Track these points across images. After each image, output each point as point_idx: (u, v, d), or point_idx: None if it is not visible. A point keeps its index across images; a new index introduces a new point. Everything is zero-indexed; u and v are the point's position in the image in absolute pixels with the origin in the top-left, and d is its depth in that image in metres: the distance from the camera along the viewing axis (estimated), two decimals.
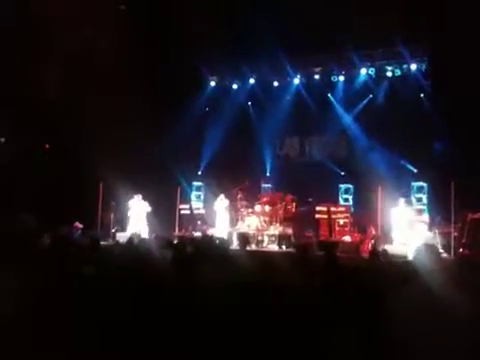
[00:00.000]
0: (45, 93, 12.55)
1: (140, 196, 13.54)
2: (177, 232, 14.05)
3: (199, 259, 5.65)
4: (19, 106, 12.94)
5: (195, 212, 14.79)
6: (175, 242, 8.04)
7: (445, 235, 11.49)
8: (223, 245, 7.17)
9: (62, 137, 13.81)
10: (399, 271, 5.77)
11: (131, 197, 13.58)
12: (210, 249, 6.44)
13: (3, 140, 13.65)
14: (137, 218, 13.45)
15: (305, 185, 14.24)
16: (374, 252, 8.95)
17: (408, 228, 11.93)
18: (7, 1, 12.15)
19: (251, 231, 13.09)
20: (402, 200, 12.31)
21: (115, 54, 12.23)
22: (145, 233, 12.62)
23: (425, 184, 14.32)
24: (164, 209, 14.34)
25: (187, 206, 14.97)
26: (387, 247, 10.01)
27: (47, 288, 3.79)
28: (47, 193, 12.61)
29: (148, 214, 13.62)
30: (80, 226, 12.84)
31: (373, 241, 12.11)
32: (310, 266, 5.91)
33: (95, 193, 13.52)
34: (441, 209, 12.26)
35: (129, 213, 13.59)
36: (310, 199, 13.96)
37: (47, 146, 14.92)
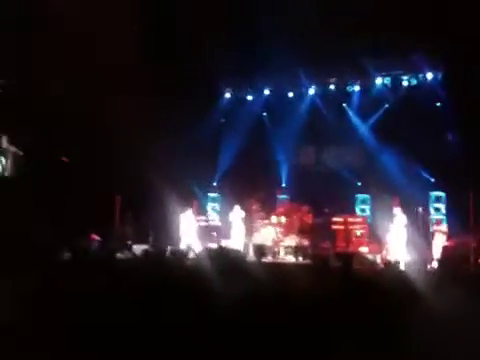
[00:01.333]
0: (64, 106, 12.71)
1: (190, 209, 13.66)
2: (192, 243, 14.04)
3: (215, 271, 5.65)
4: (37, 119, 13.11)
5: (211, 224, 14.80)
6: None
7: (464, 245, 11.34)
8: (239, 257, 7.17)
9: (80, 150, 13.94)
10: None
11: (183, 210, 13.81)
12: (226, 260, 6.44)
13: (21, 153, 13.82)
14: (188, 231, 13.52)
15: (321, 195, 14.18)
16: (389, 263, 8.91)
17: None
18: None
19: (267, 242, 13.05)
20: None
21: (133, 68, 12.36)
22: (197, 246, 12.68)
23: (443, 194, 14.17)
24: (181, 221, 14.37)
25: (203, 218, 14.99)
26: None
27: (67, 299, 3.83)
28: (65, 205, 12.71)
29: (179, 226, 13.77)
30: (97, 238, 12.91)
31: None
32: (327, 277, 5.89)
33: (112, 205, 13.60)
34: (459, 219, 12.11)
35: (181, 226, 13.74)
36: (326, 210, 13.89)
37: (65, 159, 15.07)
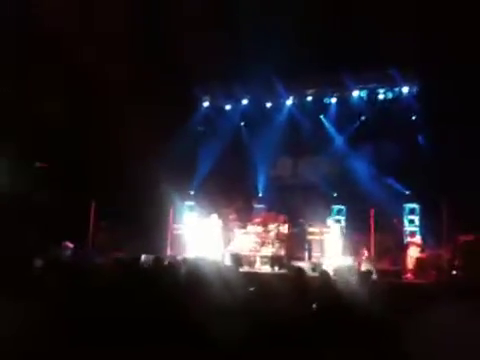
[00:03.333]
0: (39, 111, 12.54)
1: (216, 215, 13.57)
2: (169, 252, 13.95)
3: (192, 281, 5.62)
4: (11, 123, 12.90)
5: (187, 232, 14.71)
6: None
7: (438, 257, 11.51)
8: (215, 266, 7.13)
9: (55, 156, 13.76)
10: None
11: (207, 216, 13.76)
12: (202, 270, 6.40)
13: None
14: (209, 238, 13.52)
15: (297, 206, 14.23)
16: (365, 271, 8.97)
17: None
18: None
19: (244, 252, 13.02)
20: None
21: (110, 75, 12.27)
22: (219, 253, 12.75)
23: (417, 206, 14.37)
24: (157, 229, 14.27)
25: (180, 226, 14.90)
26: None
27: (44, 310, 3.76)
28: (37, 213, 12.51)
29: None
30: (70, 245, 12.72)
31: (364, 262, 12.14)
32: (305, 287, 5.91)
33: (87, 213, 13.44)
34: (433, 231, 12.29)
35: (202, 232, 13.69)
36: (301, 220, 13.92)
37: (39, 165, 14.85)
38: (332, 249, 13.09)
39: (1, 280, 4.99)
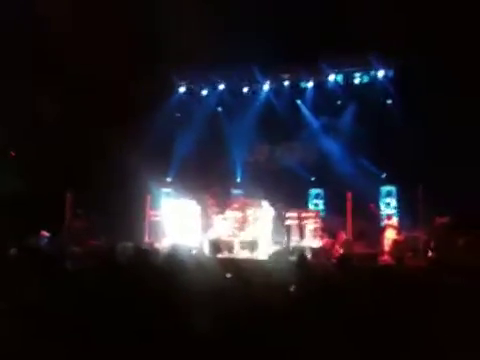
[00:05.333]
0: (12, 100, 12.29)
1: (194, 201, 13.53)
2: (147, 239, 13.86)
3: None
4: None
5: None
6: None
7: (414, 239, 11.65)
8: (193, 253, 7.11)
9: (28, 143, 13.51)
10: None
11: (184, 203, 13.70)
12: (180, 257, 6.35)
13: None
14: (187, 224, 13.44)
15: (275, 191, 14.23)
16: (344, 256, 9.01)
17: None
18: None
19: (222, 238, 13.00)
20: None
21: (84, 60, 12.05)
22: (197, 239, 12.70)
23: (394, 188, 14.51)
24: (134, 216, 14.16)
25: (157, 213, 14.79)
26: None
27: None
28: (12, 202, 12.30)
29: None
30: (47, 234, 12.54)
31: (343, 246, 12.23)
32: (283, 271, 5.91)
33: (63, 200, 13.24)
34: (410, 213, 12.43)
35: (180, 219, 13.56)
36: (277, 205, 13.93)
37: (13, 153, 14.57)
38: (310, 233, 13.17)
39: None
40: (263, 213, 13.32)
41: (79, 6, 12.24)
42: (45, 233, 12.50)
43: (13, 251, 6.64)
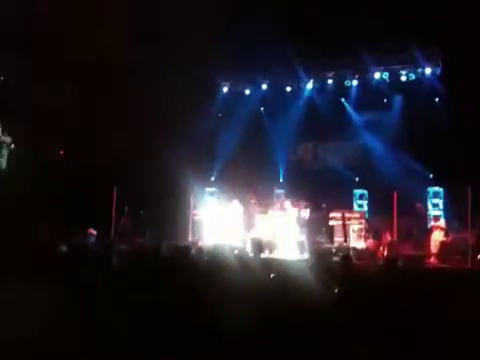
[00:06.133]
0: (59, 98, 12.62)
1: (237, 201, 13.67)
2: (190, 238, 14.01)
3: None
4: (33, 111, 13.03)
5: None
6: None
7: (462, 241, 11.32)
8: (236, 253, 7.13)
9: (76, 143, 13.87)
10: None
11: (227, 202, 13.85)
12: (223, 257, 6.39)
13: (13, 146, 13.67)
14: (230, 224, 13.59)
15: (319, 191, 14.13)
16: (391, 258, 8.86)
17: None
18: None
19: (265, 237, 12.99)
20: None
21: (131, 62, 12.27)
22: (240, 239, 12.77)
23: (441, 189, 14.15)
24: (178, 215, 14.34)
25: (200, 212, 14.92)
26: None
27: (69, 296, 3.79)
28: (62, 200, 12.65)
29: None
30: (94, 232, 12.85)
31: (389, 247, 12.02)
32: (327, 272, 5.86)
33: (109, 199, 13.53)
34: (458, 215, 12.09)
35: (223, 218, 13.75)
36: (324, 205, 13.84)
37: (62, 152, 15.00)
38: (354, 234, 13.03)
39: (26, 265, 5.05)
40: (305, 214, 13.26)
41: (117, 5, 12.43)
42: (93, 231, 12.81)
43: (62, 249, 6.82)
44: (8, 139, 13.30)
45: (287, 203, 13.56)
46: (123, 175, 13.74)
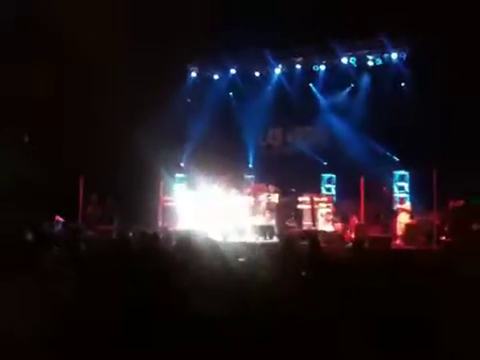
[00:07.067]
0: (26, 85, 12.34)
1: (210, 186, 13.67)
2: (161, 225, 13.95)
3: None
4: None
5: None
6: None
7: (427, 223, 11.58)
8: (205, 238, 7.13)
9: (42, 129, 13.59)
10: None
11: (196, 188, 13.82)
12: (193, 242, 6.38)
13: None
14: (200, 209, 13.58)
15: (288, 176, 14.21)
16: (358, 241, 9.01)
17: None
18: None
19: (234, 222, 13.06)
20: None
21: (99, 46, 12.03)
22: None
23: (407, 173, 14.40)
24: (147, 202, 14.24)
25: (170, 198, 14.86)
26: None
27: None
28: (27, 187, 12.42)
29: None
30: (61, 219, 12.68)
31: (356, 230, 12.21)
32: (295, 256, 5.92)
33: (76, 186, 13.33)
34: (423, 197, 12.34)
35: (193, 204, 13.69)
36: (293, 189, 13.94)
37: (27, 138, 14.68)
38: (322, 217, 13.20)
39: None
40: (275, 198, 13.36)
41: None
42: (60, 218, 12.64)
43: (29, 237, 6.71)
44: None
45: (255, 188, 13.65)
46: (91, 161, 13.54)
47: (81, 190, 13.32)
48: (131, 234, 7.35)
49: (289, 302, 3.87)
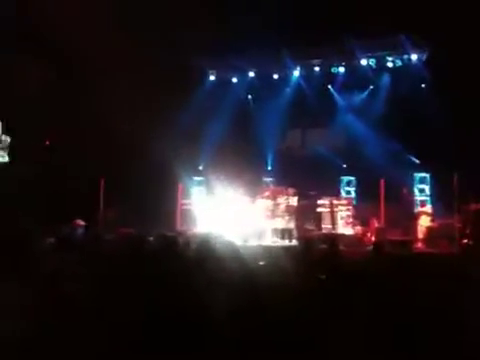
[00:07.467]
0: (46, 90, 12.49)
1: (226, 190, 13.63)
2: (179, 228, 13.99)
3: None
4: (19, 103, 12.88)
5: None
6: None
7: (449, 226, 11.43)
8: (225, 241, 7.12)
9: (62, 133, 13.75)
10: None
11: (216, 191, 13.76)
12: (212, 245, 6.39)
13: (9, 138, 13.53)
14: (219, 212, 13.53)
15: (307, 178, 14.15)
16: (378, 244, 8.91)
17: None
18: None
19: (253, 226, 13.04)
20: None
21: (114, 51, 12.14)
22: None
23: (428, 175, 14.24)
24: (166, 205, 14.31)
25: (189, 201, 14.90)
26: None
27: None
28: (48, 191, 12.57)
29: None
30: (82, 223, 12.76)
31: (376, 233, 12.11)
32: (314, 259, 5.89)
33: (97, 190, 13.45)
34: (444, 200, 12.18)
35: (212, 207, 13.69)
36: (312, 192, 13.88)
37: (47, 142, 14.87)
38: (342, 220, 13.10)
39: (12, 260, 5.00)
40: (294, 201, 13.31)
41: None
42: (80, 222, 12.74)
43: (50, 241, 6.77)
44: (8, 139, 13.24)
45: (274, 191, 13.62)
46: (111, 166, 13.65)
47: (102, 194, 13.44)
48: (152, 238, 7.35)
49: (308, 306, 3.85)
